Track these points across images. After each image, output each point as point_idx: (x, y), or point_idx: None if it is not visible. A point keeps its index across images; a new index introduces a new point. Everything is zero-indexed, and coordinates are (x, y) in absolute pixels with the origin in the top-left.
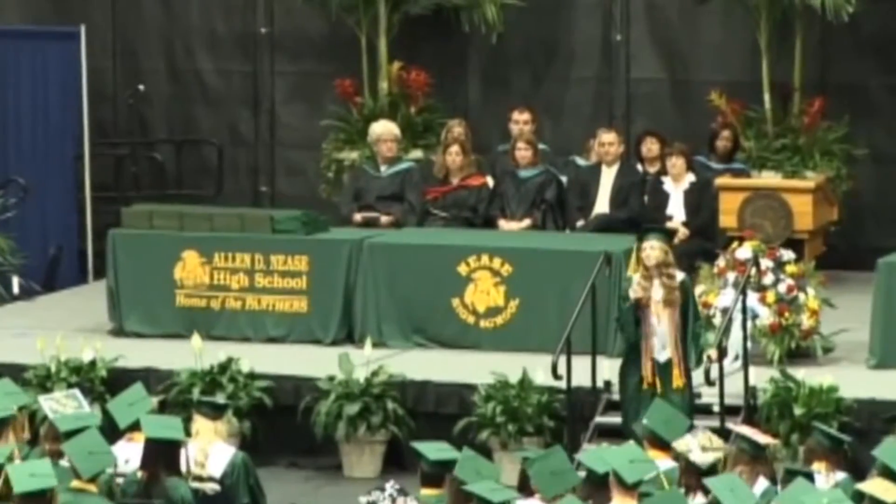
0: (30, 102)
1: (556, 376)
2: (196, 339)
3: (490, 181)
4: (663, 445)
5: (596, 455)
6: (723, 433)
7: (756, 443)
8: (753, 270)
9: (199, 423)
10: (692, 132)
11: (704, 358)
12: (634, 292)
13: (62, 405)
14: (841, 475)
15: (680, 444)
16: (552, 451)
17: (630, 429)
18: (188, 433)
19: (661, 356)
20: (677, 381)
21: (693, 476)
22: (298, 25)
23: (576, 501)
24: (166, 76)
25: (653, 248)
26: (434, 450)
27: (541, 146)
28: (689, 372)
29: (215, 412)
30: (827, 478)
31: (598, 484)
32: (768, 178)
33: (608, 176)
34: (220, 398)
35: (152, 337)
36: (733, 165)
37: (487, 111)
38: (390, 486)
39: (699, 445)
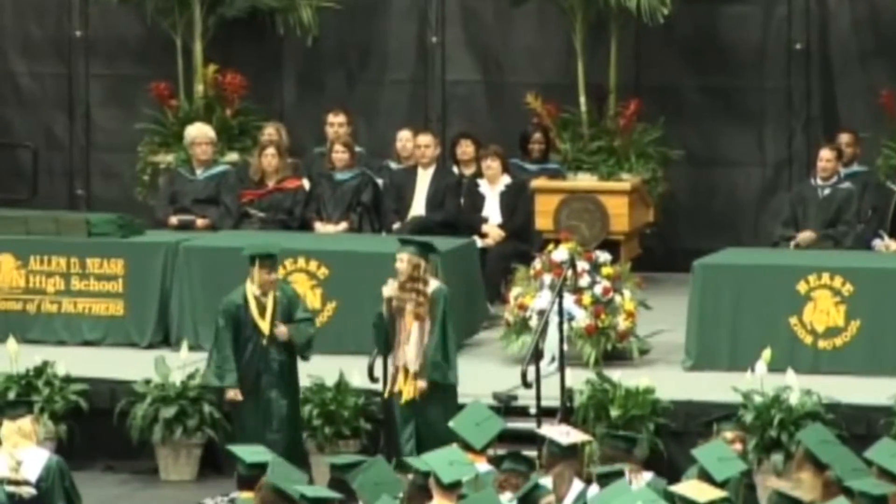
0: None
1: (372, 379)
2: (11, 342)
3: (306, 184)
4: (471, 449)
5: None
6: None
7: (559, 443)
8: (569, 272)
9: (4, 427)
10: (508, 134)
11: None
12: (385, 297)
13: None
14: (647, 475)
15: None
16: (374, 462)
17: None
18: None
19: (412, 366)
20: (413, 391)
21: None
22: (113, 28)
23: (392, 502)
24: None
25: (401, 262)
26: (249, 453)
27: (357, 149)
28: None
29: (13, 411)
30: (633, 479)
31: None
32: (584, 181)
33: (424, 178)
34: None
35: None
36: (548, 166)
37: (303, 114)
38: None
39: None
